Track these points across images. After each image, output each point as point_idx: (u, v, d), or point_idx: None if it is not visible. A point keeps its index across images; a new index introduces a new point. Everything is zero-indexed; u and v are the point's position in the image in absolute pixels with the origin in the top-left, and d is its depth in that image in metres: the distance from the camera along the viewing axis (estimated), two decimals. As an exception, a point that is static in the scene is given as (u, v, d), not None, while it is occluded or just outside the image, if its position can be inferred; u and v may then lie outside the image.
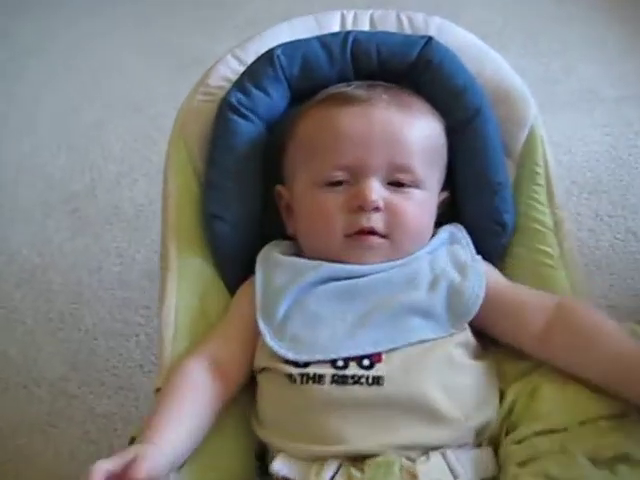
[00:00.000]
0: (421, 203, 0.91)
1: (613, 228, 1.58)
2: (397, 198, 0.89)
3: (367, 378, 0.80)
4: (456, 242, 0.94)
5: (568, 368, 0.82)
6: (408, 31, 1.06)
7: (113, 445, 1.30)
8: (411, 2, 2.25)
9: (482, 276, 0.88)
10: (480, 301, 0.86)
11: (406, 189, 0.90)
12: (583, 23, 2.19)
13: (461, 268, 0.89)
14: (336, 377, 0.81)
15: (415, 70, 0.99)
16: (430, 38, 1.00)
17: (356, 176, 0.89)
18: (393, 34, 1.03)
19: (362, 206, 0.87)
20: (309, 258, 0.92)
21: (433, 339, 0.84)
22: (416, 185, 0.91)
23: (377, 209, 0.88)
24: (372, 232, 0.88)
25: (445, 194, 0.98)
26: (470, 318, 0.86)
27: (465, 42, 1.04)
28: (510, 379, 0.86)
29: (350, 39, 1.00)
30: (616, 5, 2.24)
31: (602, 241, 1.55)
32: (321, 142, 0.91)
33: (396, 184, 0.90)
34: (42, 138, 2.01)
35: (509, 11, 2.27)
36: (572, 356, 0.82)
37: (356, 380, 0.81)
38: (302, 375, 0.82)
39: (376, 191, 0.88)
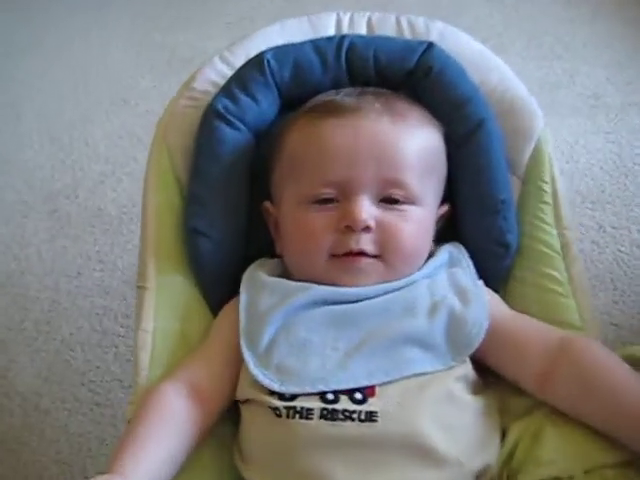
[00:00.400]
0: (417, 221, 0.85)
1: (617, 240, 1.52)
2: (390, 216, 0.83)
3: (359, 414, 0.74)
4: (456, 264, 0.88)
5: (569, 412, 0.76)
6: (408, 36, 1.00)
7: (86, 467, 1.24)
8: (410, 3, 2.22)
9: (485, 304, 0.82)
10: (483, 332, 0.79)
11: (400, 206, 0.84)
12: (587, 25, 2.14)
13: (462, 293, 0.83)
14: (325, 412, 0.75)
15: (414, 78, 0.94)
16: (431, 44, 0.95)
17: (345, 193, 0.83)
18: (392, 39, 0.97)
19: (351, 226, 0.82)
20: (297, 280, 0.86)
21: (431, 372, 0.78)
22: (411, 201, 0.85)
23: (367, 229, 0.82)
24: (362, 254, 0.82)
25: (445, 207, 0.91)
26: (472, 350, 0.79)
27: (468, 49, 0.98)
28: (512, 416, 0.80)
29: (346, 44, 0.95)
30: (622, 7, 2.19)
31: (606, 254, 1.49)
32: (307, 158, 0.85)
33: (389, 201, 0.84)
34: (24, 133, 1.95)
35: (510, 12, 2.22)
36: (574, 402, 0.76)
37: (347, 416, 0.74)
38: (288, 409, 0.76)
39: (366, 210, 0.82)
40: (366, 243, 0.82)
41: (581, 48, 2.05)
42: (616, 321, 1.37)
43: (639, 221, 1.56)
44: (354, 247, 0.82)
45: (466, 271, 0.87)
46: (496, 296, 0.88)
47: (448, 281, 0.85)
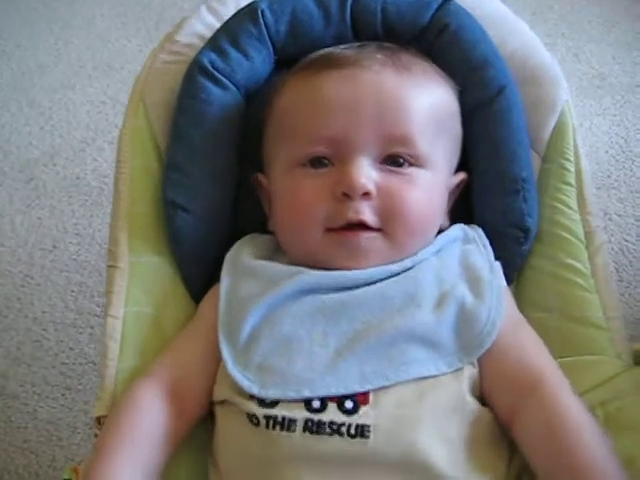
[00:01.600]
0: (424, 186, 0.74)
1: (623, 229, 1.46)
2: (393, 180, 0.73)
3: (348, 427, 0.64)
4: (471, 242, 0.78)
5: (526, 455, 0.66)
6: (420, -11, 0.89)
7: (55, 457, 1.17)
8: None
9: (501, 295, 0.72)
10: (497, 330, 0.69)
11: (405, 169, 0.74)
12: (594, 3, 2.09)
13: (475, 282, 0.72)
14: (310, 423, 0.65)
15: (427, 36, 0.84)
16: (447, -1, 0.85)
17: (341, 153, 0.73)
18: (403, -9, 0.87)
19: (347, 192, 0.71)
20: (291, 259, 0.76)
21: (435, 376, 0.68)
22: (418, 163, 0.74)
23: (367, 195, 0.71)
24: (361, 225, 0.72)
25: (461, 176, 0.81)
26: (483, 351, 0.69)
27: (488, 7, 0.89)
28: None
29: (351, -5, 0.85)
30: None
31: (611, 243, 1.43)
32: (298, 113, 0.76)
33: (392, 162, 0.73)
34: (1, 96, 1.86)
35: None
36: (534, 454, 0.65)
37: (334, 429, 0.64)
38: (268, 418, 0.66)
39: (365, 172, 0.71)
40: (366, 212, 0.71)
41: (587, 26, 2.00)
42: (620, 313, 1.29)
43: (646, 209, 1.50)
44: (352, 217, 0.71)
45: (482, 253, 0.76)
46: (508, 293, 0.78)
47: (460, 264, 0.74)
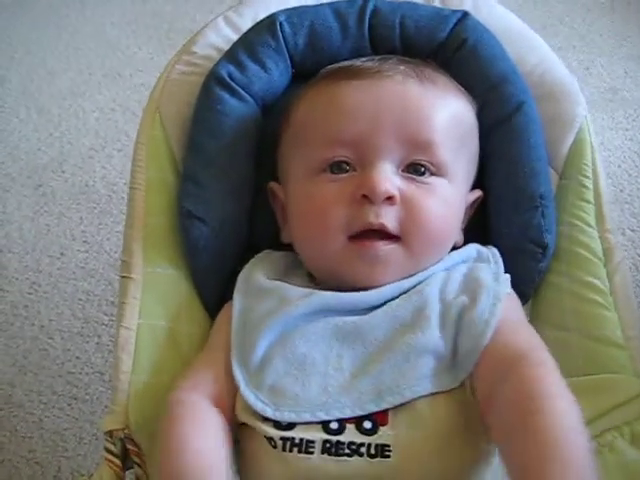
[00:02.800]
0: (445, 197, 0.74)
1: (636, 244, 1.45)
2: (415, 190, 0.72)
3: (368, 447, 0.63)
4: (483, 261, 0.77)
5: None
6: (438, 4, 0.90)
7: (61, 469, 1.15)
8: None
9: (499, 299, 0.69)
10: (490, 330, 0.66)
11: (426, 178, 0.73)
12: (605, 16, 2.09)
13: (472, 288, 0.71)
14: (328, 445, 0.64)
15: (445, 51, 0.84)
16: (466, 13, 0.85)
17: (362, 159, 0.72)
18: (421, 5, 0.87)
19: (369, 195, 0.70)
20: (307, 269, 0.76)
21: (448, 390, 0.66)
22: (439, 172, 0.74)
23: (390, 200, 0.70)
24: (381, 230, 0.71)
25: (477, 193, 0.81)
26: (477, 356, 0.66)
27: (505, 23, 0.89)
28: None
29: (369, 8, 0.84)
30: None
31: (625, 258, 1.38)
32: (318, 121, 0.75)
33: (414, 171, 0.73)
34: (10, 102, 1.85)
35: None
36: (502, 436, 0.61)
37: (354, 450, 0.63)
38: (285, 440, 0.65)
39: (389, 177, 0.71)
40: (388, 217, 0.70)
41: (598, 39, 1.99)
42: (634, 333, 1.27)
43: (660, 224, 1.49)
44: (373, 221, 0.70)
45: (491, 265, 0.75)
46: (514, 300, 0.76)
47: (464, 277, 0.73)
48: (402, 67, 0.76)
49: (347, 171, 0.73)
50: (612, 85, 1.82)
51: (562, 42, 1.95)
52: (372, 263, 0.72)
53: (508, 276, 0.75)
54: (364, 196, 0.70)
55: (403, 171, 0.73)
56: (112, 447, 0.70)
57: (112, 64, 1.93)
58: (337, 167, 0.73)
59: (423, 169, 0.73)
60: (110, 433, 0.70)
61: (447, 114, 0.75)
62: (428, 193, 0.73)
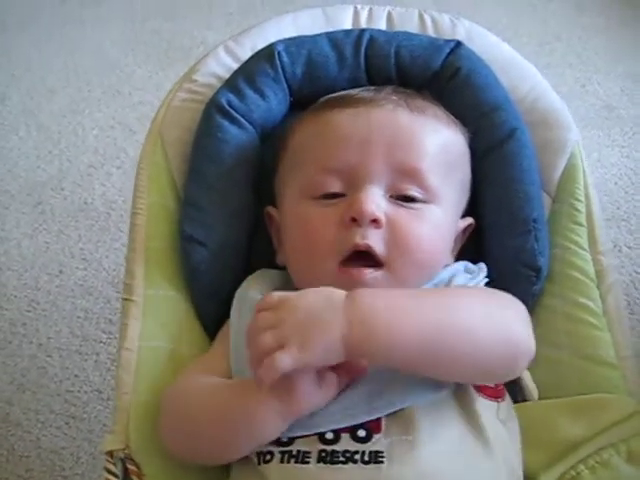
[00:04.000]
0: (433, 223, 0.75)
1: (634, 261, 1.46)
2: (402, 214, 0.74)
3: (362, 454, 0.65)
4: (468, 273, 0.79)
5: None
6: (431, 33, 0.92)
7: (59, 488, 1.14)
8: (417, 1, 2.14)
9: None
10: None
11: (415, 204, 0.75)
12: (601, 33, 2.11)
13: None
14: (324, 454, 0.65)
15: (439, 80, 0.86)
16: (459, 43, 0.87)
17: (352, 185, 0.74)
18: (415, 35, 0.89)
19: (356, 217, 0.72)
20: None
21: (441, 395, 0.68)
22: (427, 199, 0.75)
23: (375, 222, 0.72)
24: (368, 252, 0.72)
25: (469, 220, 0.83)
26: None
27: (497, 51, 0.90)
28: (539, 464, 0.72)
29: (365, 38, 0.87)
30: (636, 16, 2.14)
31: (622, 275, 1.42)
32: (312, 147, 0.77)
33: (402, 198, 0.75)
34: (10, 119, 1.86)
35: (521, 16, 2.18)
36: None
37: (349, 457, 0.65)
38: (283, 453, 0.67)
39: (375, 200, 0.72)
40: (374, 239, 0.72)
41: (594, 57, 2.01)
42: (632, 352, 1.28)
43: (656, 242, 1.49)
44: (359, 242, 0.71)
45: (473, 275, 0.78)
46: None
47: (444, 284, 0.76)
48: (394, 97, 0.78)
49: (337, 197, 0.75)
50: (608, 102, 1.84)
51: (558, 60, 1.98)
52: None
53: (484, 280, 0.78)
54: (352, 219, 0.72)
55: (392, 197, 0.74)
56: (112, 467, 0.71)
57: (111, 82, 1.94)
58: (329, 196, 0.75)
59: (412, 198, 0.75)
60: (110, 453, 0.71)
61: (436, 142, 0.77)
62: (416, 218, 0.74)
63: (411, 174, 0.74)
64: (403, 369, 0.66)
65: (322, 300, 0.64)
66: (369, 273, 0.73)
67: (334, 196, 0.74)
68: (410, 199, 0.74)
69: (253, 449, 0.68)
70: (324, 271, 0.74)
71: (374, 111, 0.76)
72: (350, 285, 0.71)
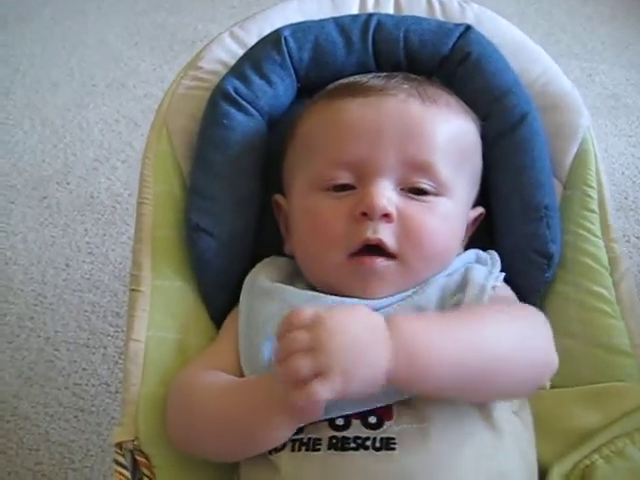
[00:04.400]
0: (445, 216, 0.74)
1: (643, 251, 1.44)
2: (414, 207, 0.73)
3: (373, 441, 0.64)
4: (480, 263, 0.78)
5: None
6: (440, 17, 0.90)
7: (68, 480, 1.14)
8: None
9: (485, 291, 0.71)
10: None
11: (426, 197, 0.74)
12: (606, 24, 2.11)
13: (465, 284, 0.72)
14: (335, 440, 0.65)
15: (449, 65, 0.84)
16: (469, 27, 0.86)
17: (363, 178, 0.73)
18: (424, 20, 0.87)
19: (367, 212, 0.71)
20: (307, 281, 0.77)
21: None
22: (439, 192, 0.74)
23: (387, 217, 0.71)
24: (379, 247, 0.71)
25: (479, 210, 0.82)
26: None
27: (508, 35, 0.89)
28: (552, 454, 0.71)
29: (373, 23, 0.85)
30: None
31: (631, 265, 1.39)
32: (322, 138, 0.76)
33: (413, 191, 0.73)
34: (14, 113, 1.86)
35: (526, 7, 2.18)
36: None
37: (360, 444, 0.64)
38: (294, 442, 0.66)
39: (387, 194, 0.71)
40: (385, 233, 0.71)
41: (600, 47, 2.01)
42: (640, 342, 1.27)
43: (664, 231, 1.48)
44: (371, 236, 0.71)
45: (487, 266, 0.76)
46: (512, 294, 0.77)
47: (461, 277, 0.74)
48: (406, 86, 0.76)
49: (348, 189, 0.73)
50: (614, 92, 1.84)
51: (564, 50, 1.97)
52: (367, 278, 0.72)
53: (502, 274, 0.76)
54: (363, 213, 0.71)
55: (402, 190, 0.73)
56: (122, 459, 0.71)
57: (115, 75, 1.94)
58: (339, 188, 0.74)
59: (423, 191, 0.74)
60: (120, 445, 0.71)
61: (448, 133, 0.75)
62: (427, 211, 0.73)
63: (423, 167, 0.73)
64: (442, 395, 0.64)
65: (363, 325, 0.60)
66: (381, 261, 0.72)
67: (344, 187, 0.73)
68: (421, 192, 0.73)
69: (257, 452, 0.67)
70: (333, 262, 0.73)
71: (385, 101, 0.74)
72: (360, 273, 0.72)
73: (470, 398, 0.65)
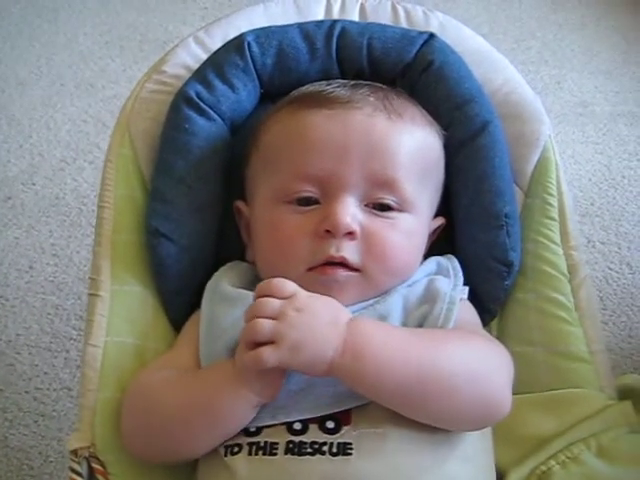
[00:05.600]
0: (408, 232, 0.75)
1: (607, 257, 1.47)
2: (377, 224, 0.73)
3: (330, 446, 0.64)
4: (443, 274, 0.78)
5: None
6: (405, 25, 0.91)
7: (26, 488, 1.12)
8: (394, -3, 2.15)
9: (454, 303, 0.72)
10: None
11: (390, 213, 0.74)
12: (576, 31, 2.13)
13: (431, 297, 0.73)
14: (292, 445, 0.65)
15: (412, 72, 0.85)
16: (432, 35, 0.86)
17: (327, 193, 0.73)
18: (388, 27, 0.87)
19: (331, 230, 0.71)
20: None
21: None
22: (402, 208, 0.75)
23: (351, 235, 0.71)
24: (342, 264, 0.72)
25: (440, 220, 0.82)
26: None
27: (471, 44, 0.90)
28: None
29: (337, 30, 0.85)
30: (610, 14, 2.17)
31: (595, 271, 1.44)
32: (286, 148, 0.75)
33: (377, 207, 0.74)
34: (-21, 113, 1.82)
35: (497, 13, 2.19)
36: None
37: (316, 449, 0.64)
38: (251, 445, 0.66)
39: (351, 212, 0.72)
40: (349, 251, 0.72)
41: (569, 54, 2.03)
42: (605, 343, 1.28)
43: (629, 237, 1.51)
44: (334, 254, 0.71)
45: (450, 278, 0.77)
46: (473, 311, 0.78)
47: (425, 288, 0.75)
48: (372, 98, 0.76)
49: (312, 203, 0.74)
50: (582, 99, 1.86)
51: (534, 57, 1.99)
52: (329, 286, 0.72)
53: (466, 287, 0.77)
54: (327, 231, 0.71)
55: (367, 206, 0.74)
56: (77, 467, 0.71)
57: (84, 75, 1.92)
58: (303, 201, 0.74)
59: (387, 206, 0.74)
60: (75, 452, 0.70)
61: (412, 149, 0.75)
62: (391, 227, 0.74)
63: (387, 184, 0.74)
64: (378, 402, 0.65)
65: (328, 313, 0.65)
66: (343, 271, 0.72)
67: (308, 201, 0.74)
68: (385, 207, 0.74)
69: (220, 440, 0.67)
70: (294, 274, 0.72)
71: (351, 114, 0.74)
72: (322, 282, 0.72)
73: (410, 415, 0.65)
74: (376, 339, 0.65)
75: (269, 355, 0.62)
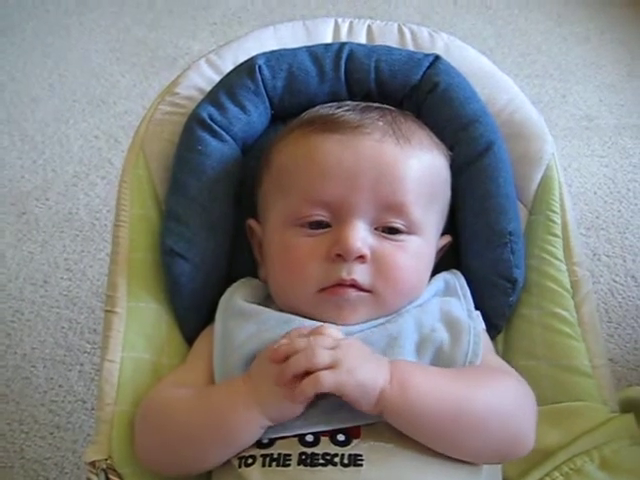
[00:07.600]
0: (416, 254, 0.77)
1: (612, 269, 1.48)
2: (387, 247, 0.76)
3: (341, 457, 0.66)
4: (452, 293, 0.80)
5: None
6: (411, 47, 0.93)
7: (42, 499, 1.14)
8: (400, 14, 2.17)
9: (480, 337, 0.75)
10: None
11: (399, 236, 0.76)
12: (581, 45, 2.14)
13: (452, 326, 0.75)
14: (304, 456, 0.67)
15: (418, 94, 0.87)
16: (437, 57, 0.88)
17: (338, 218, 0.75)
18: (395, 49, 0.90)
19: (342, 254, 0.74)
20: (280, 308, 0.79)
21: None
22: (411, 231, 0.77)
23: (361, 259, 0.74)
24: (353, 286, 0.74)
25: (447, 239, 0.84)
26: None
27: (476, 64, 0.92)
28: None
29: (345, 52, 0.87)
30: (615, 28, 2.18)
31: (600, 284, 1.44)
32: (299, 172, 0.77)
33: (387, 230, 0.76)
34: (-6, 129, 1.85)
35: (503, 27, 2.21)
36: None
37: (328, 460, 0.66)
38: (264, 457, 0.68)
39: (361, 236, 0.74)
40: (359, 274, 0.74)
41: (574, 68, 2.05)
42: (611, 356, 1.30)
43: (633, 250, 1.52)
44: (345, 277, 0.74)
45: (461, 301, 0.79)
46: (487, 337, 0.80)
47: (439, 311, 0.77)
48: (380, 123, 0.78)
49: (323, 227, 0.76)
50: (587, 113, 1.87)
51: (540, 70, 2.01)
52: (341, 305, 0.75)
53: (478, 313, 0.79)
54: (338, 255, 0.74)
55: (376, 229, 0.76)
56: (95, 478, 0.72)
57: (96, 92, 1.95)
58: (314, 224, 0.76)
59: (396, 230, 0.76)
60: (93, 464, 0.72)
61: (420, 173, 0.77)
62: (400, 250, 0.76)
63: (396, 208, 0.76)
64: (414, 436, 0.68)
65: (371, 352, 0.69)
66: (354, 291, 0.74)
67: (319, 224, 0.76)
68: (395, 231, 0.76)
69: (231, 455, 0.69)
70: (305, 295, 0.75)
71: (361, 140, 0.76)
72: (334, 302, 0.74)
73: (440, 449, 0.68)
74: (418, 373, 0.68)
75: (328, 377, 0.65)
